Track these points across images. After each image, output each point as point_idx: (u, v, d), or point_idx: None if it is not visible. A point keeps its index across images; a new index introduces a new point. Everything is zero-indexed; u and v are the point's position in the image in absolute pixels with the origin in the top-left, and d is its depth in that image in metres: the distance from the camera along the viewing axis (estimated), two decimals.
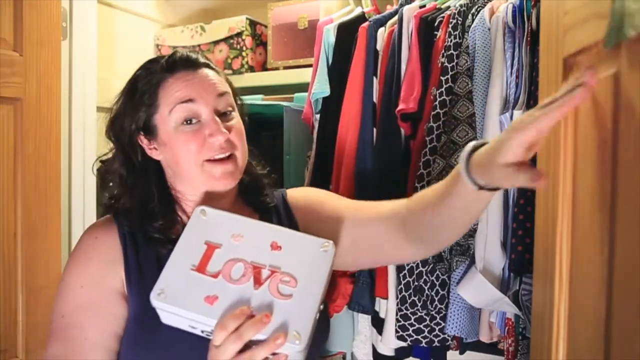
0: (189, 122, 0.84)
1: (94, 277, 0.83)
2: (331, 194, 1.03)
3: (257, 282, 0.69)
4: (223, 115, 0.86)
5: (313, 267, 0.72)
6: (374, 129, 1.36)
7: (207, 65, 0.89)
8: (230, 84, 0.93)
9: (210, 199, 0.89)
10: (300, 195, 1.01)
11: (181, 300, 0.68)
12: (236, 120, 0.89)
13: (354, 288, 1.35)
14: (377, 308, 1.36)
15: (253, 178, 0.97)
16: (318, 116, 1.52)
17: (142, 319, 0.80)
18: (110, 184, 0.92)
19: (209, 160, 0.85)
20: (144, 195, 0.88)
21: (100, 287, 0.82)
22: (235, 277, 0.70)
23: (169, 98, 0.84)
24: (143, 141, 0.88)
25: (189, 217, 0.83)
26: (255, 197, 0.97)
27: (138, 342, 0.80)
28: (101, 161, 0.95)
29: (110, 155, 0.93)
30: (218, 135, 0.83)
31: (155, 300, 0.69)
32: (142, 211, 0.87)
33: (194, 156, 0.84)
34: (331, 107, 1.47)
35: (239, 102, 0.95)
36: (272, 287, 0.69)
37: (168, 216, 0.88)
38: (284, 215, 0.97)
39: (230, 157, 0.86)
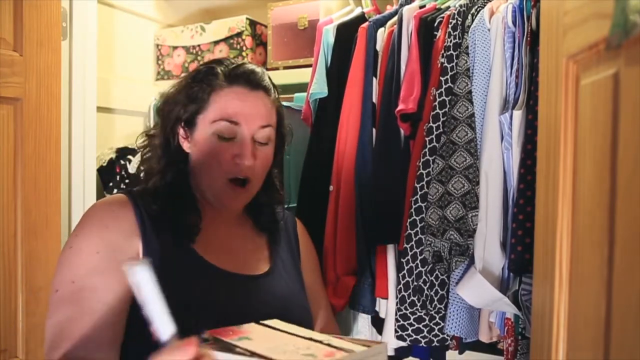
0: (225, 137, 0.88)
1: (112, 243, 0.83)
2: (314, 254, 1.14)
3: None
4: (258, 144, 0.91)
5: None
6: (374, 130, 1.36)
7: (265, 89, 0.92)
8: (278, 109, 0.97)
9: (217, 207, 0.94)
10: (304, 232, 1.11)
11: None
12: (267, 152, 0.93)
13: (356, 289, 1.35)
14: (377, 308, 1.36)
15: (267, 200, 1.02)
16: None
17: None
18: (147, 156, 0.96)
19: (228, 179, 0.89)
20: (174, 179, 0.91)
21: (118, 252, 0.82)
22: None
23: (218, 109, 0.88)
24: (180, 131, 0.92)
25: (201, 215, 0.91)
26: (266, 219, 1.01)
27: None
28: (147, 134, 0.98)
29: (154, 131, 0.97)
30: (245, 160, 0.88)
31: None
32: (167, 194, 0.90)
33: (216, 168, 0.89)
34: (328, 107, 1.46)
35: (284, 128, 1.00)
36: None
37: (191, 208, 0.91)
38: (293, 241, 1.04)
39: (247, 184, 0.91)
